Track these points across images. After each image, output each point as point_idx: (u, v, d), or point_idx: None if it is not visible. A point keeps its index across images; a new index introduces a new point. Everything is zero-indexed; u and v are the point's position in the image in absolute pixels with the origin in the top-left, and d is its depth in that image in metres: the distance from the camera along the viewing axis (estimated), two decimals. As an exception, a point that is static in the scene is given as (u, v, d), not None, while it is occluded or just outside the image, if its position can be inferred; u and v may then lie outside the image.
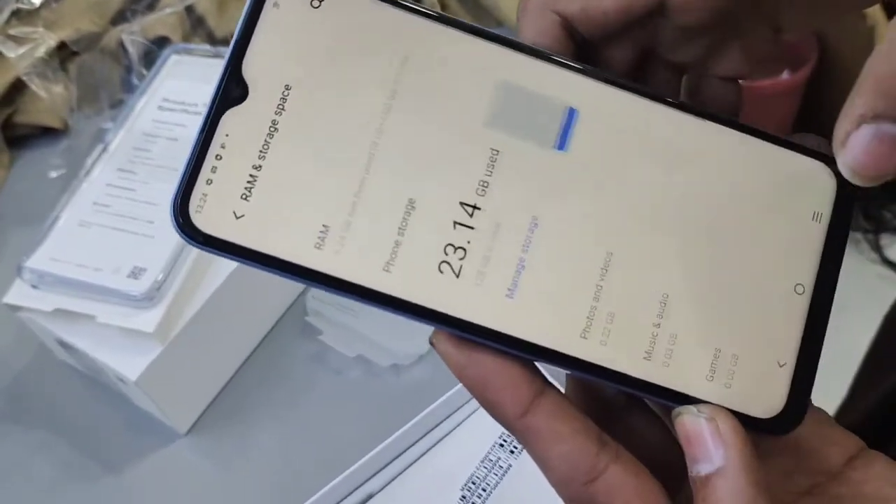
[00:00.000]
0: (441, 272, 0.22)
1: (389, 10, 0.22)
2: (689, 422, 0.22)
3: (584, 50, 0.25)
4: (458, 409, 0.46)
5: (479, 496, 0.43)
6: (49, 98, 0.61)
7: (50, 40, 0.61)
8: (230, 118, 0.21)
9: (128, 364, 0.48)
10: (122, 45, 0.63)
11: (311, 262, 0.21)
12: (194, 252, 0.49)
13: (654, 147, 0.23)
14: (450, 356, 0.22)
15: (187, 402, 0.52)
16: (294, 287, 0.57)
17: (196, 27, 0.66)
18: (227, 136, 0.21)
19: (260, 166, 0.21)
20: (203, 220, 0.21)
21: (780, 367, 0.23)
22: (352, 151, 0.22)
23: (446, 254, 0.22)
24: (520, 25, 0.25)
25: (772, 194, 0.23)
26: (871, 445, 0.25)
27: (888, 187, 1.46)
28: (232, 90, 0.22)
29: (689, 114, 0.24)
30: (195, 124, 0.54)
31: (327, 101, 0.22)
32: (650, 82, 0.27)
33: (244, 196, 0.21)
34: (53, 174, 0.64)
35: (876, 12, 1.33)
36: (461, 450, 0.45)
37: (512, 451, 0.44)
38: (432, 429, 0.45)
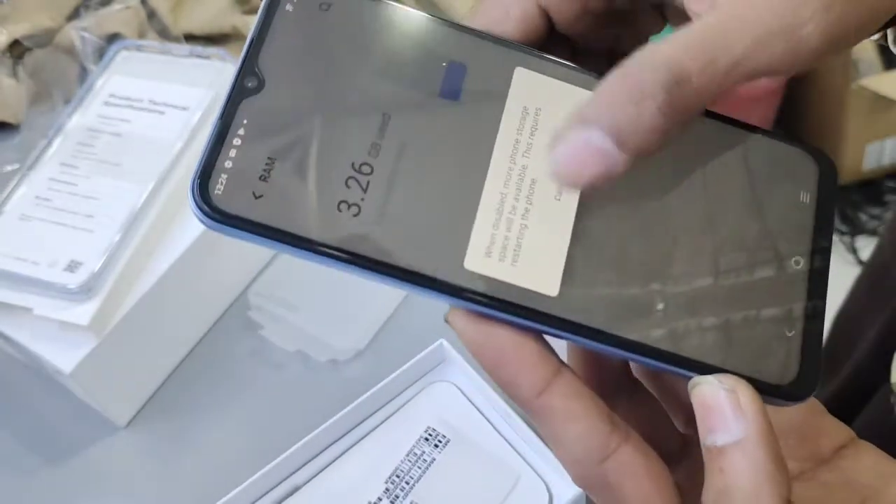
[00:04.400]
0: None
1: (385, 7, 0.25)
2: (707, 392, 0.22)
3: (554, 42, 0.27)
4: (386, 403, 0.47)
5: (403, 489, 0.43)
6: (1, 93, 0.62)
7: (1, 35, 0.61)
8: (247, 106, 0.23)
9: (63, 356, 0.48)
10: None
11: (329, 238, 0.22)
12: (133, 246, 0.50)
13: None
14: (465, 333, 0.22)
15: (126, 395, 0.53)
16: (237, 282, 0.57)
17: (150, 24, 0.66)
18: (244, 122, 0.23)
19: (276, 150, 0.23)
20: (222, 199, 0.22)
21: (789, 335, 0.24)
22: (358, 134, 0.23)
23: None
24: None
25: (760, 177, 0.25)
26: None
27: (864, 189, 1.47)
28: (248, 81, 0.23)
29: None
30: (140, 120, 0.55)
31: (334, 93, 0.24)
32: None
33: (262, 177, 0.22)
34: (7, 168, 0.65)
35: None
36: (387, 443, 0.45)
37: (436, 446, 0.45)
38: (359, 423, 0.46)
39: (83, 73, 0.65)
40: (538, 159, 0.24)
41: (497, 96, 0.25)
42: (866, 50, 1.35)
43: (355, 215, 0.23)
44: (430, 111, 0.24)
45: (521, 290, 0.23)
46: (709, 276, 0.24)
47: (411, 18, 0.25)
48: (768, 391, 0.23)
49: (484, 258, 0.23)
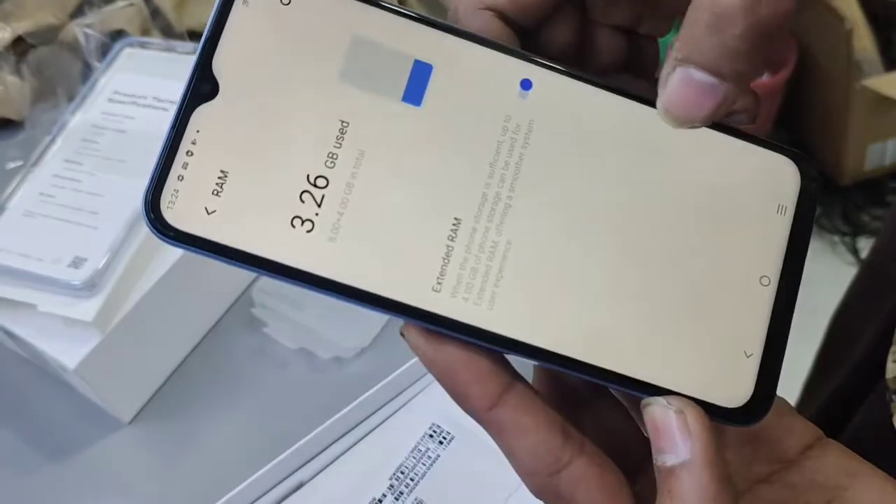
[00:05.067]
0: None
1: (349, 3, 0.23)
2: (657, 413, 0.22)
3: (524, 38, 0.25)
4: (391, 400, 0.46)
5: (407, 485, 0.43)
6: (4, 90, 0.62)
7: (5, 32, 0.62)
8: (200, 114, 0.22)
9: (67, 352, 0.48)
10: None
11: (281, 256, 0.21)
12: (137, 242, 0.50)
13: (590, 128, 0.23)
14: (419, 349, 0.22)
15: (130, 392, 0.53)
16: (241, 279, 0.57)
17: (154, 21, 0.66)
18: (197, 132, 0.21)
19: (228, 162, 0.22)
20: (174, 215, 0.21)
21: (747, 357, 0.23)
22: (314, 143, 0.22)
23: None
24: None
25: (733, 186, 0.24)
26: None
27: (866, 190, 1.47)
28: (202, 86, 0.22)
29: (610, 92, 0.24)
30: (144, 117, 0.55)
31: (292, 96, 0.22)
32: (597, 52, 0.27)
33: (215, 192, 0.21)
34: (11, 165, 0.65)
35: (854, 16, 1.34)
36: (391, 440, 0.45)
37: (441, 442, 0.45)
38: (364, 419, 0.46)
39: (87, 71, 0.65)
40: (522, 178, 0.23)
41: (472, 102, 0.23)
42: (868, 51, 1.35)
43: (308, 231, 0.22)
44: (390, 117, 0.22)
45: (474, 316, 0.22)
46: (665, 291, 0.23)
47: (376, 13, 0.23)
48: (719, 413, 0.22)
49: (441, 291, 0.22)
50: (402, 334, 0.23)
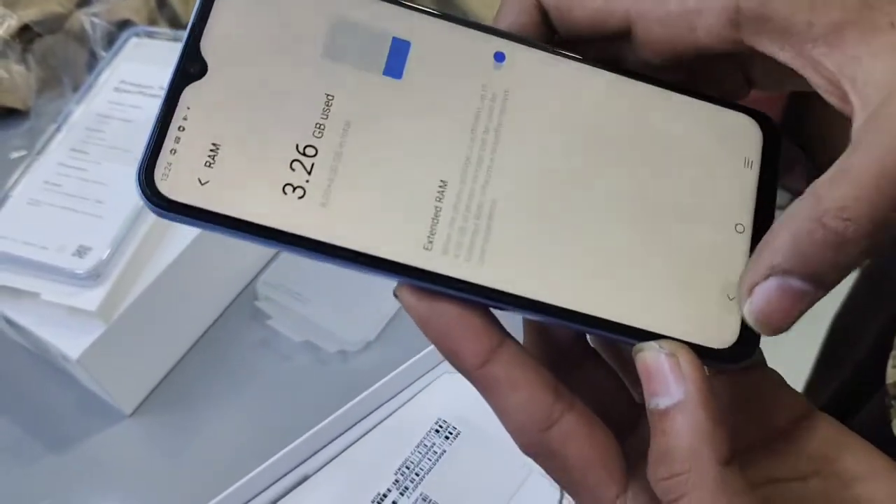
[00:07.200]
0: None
1: None
2: (649, 357, 0.23)
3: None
4: (396, 394, 0.46)
5: (413, 480, 0.43)
6: (10, 79, 0.61)
7: (11, 20, 0.61)
8: (190, 92, 0.23)
9: (70, 342, 0.48)
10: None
11: (274, 221, 0.22)
12: (142, 232, 0.49)
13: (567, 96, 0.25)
14: (412, 308, 0.23)
15: (133, 383, 0.52)
16: (245, 272, 0.57)
17: (161, 11, 0.66)
18: (188, 108, 0.23)
19: (220, 136, 0.23)
20: (168, 187, 0.22)
21: (730, 300, 0.24)
22: (302, 116, 0.23)
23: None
24: (502, 3, 0.26)
25: (701, 143, 0.25)
26: None
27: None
28: (191, 66, 0.23)
29: (588, 65, 0.25)
30: (151, 107, 0.54)
31: (278, 73, 0.23)
32: None
33: (208, 164, 0.22)
34: (14, 155, 0.64)
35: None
36: (397, 434, 0.45)
37: (447, 437, 0.44)
38: (369, 414, 0.45)
39: (92, 60, 0.64)
40: (502, 142, 0.24)
41: (449, 73, 0.24)
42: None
43: (300, 198, 0.23)
44: (373, 89, 0.24)
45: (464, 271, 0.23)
46: (648, 242, 0.24)
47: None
48: (709, 354, 0.23)
49: (432, 249, 0.23)
50: (395, 295, 0.23)
